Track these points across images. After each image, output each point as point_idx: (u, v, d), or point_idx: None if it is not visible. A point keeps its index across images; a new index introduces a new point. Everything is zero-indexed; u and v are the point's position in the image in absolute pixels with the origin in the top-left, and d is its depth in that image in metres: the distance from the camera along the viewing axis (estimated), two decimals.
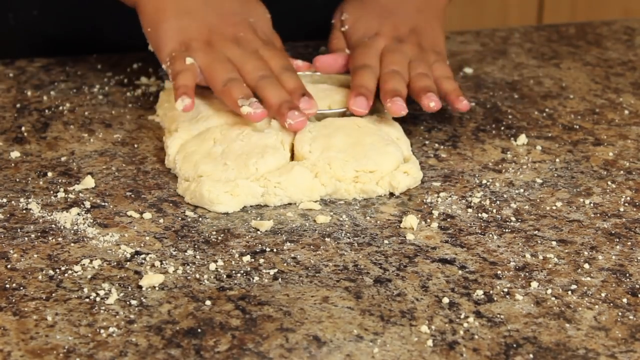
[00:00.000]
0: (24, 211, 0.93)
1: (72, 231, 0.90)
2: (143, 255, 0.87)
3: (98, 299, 0.81)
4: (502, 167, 1.02)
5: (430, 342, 0.77)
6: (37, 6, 1.24)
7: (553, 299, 0.83)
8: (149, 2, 1.06)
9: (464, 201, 0.96)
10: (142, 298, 0.82)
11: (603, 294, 0.83)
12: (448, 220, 0.93)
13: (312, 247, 0.89)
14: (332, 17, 1.17)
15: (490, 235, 0.91)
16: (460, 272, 0.86)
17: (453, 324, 0.80)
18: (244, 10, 1.08)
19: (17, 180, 0.98)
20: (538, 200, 0.96)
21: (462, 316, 0.80)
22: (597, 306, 0.82)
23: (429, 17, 1.14)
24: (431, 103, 1.03)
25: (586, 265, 0.87)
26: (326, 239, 0.90)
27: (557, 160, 1.04)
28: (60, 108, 1.12)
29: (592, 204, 0.96)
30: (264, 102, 1.00)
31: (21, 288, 0.82)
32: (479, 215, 0.94)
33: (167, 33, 1.05)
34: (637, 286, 0.84)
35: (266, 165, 0.95)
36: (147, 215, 0.92)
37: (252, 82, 1.02)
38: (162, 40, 1.05)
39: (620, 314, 0.81)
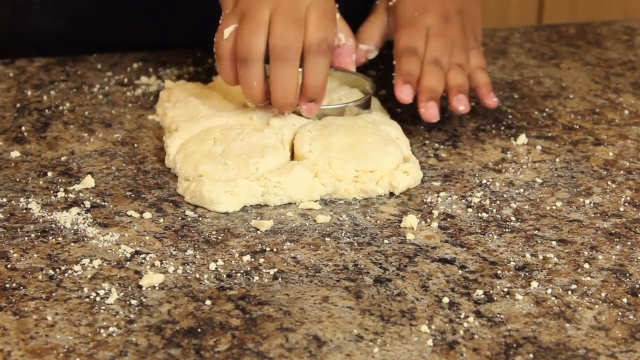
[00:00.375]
0: (24, 211, 0.93)
1: (72, 231, 0.90)
2: (143, 255, 0.87)
3: (98, 298, 0.81)
4: (502, 167, 1.02)
5: (430, 342, 0.77)
6: (37, 5, 1.24)
7: (553, 298, 0.83)
8: None
9: (464, 201, 0.96)
10: (142, 298, 0.82)
11: (603, 294, 0.83)
12: (448, 220, 0.93)
13: (312, 246, 0.89)
14: (373, 6, 1.14)
15: (490, 235, 0.91)
16: (460, 271, 0.86)
17: (453, 323, 0.80)
18: None
19: (17, 180, 0.98)
20: (538, 200, 0.96)
21: (462, 316, 0.80)
22: (597, 306, 0.82)
23: (469, 2, 1.14)
24: (460, 107, 1.05)
25: (586, 265, 0.87)
26: (326, 238, 0.90)
27: (557, 160, 1.04)
28: (60, 108, 1.12)
29: (592, 204, 0.96)
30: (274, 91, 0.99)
31: (21, 288, 0.82)
32: (479, 215, 0.94)
33: None
34: (637, 286, 0.84)
35: (266, 165, 0.95)
36: (147, 215, 0.92)
37: (275, 48, 0.97)
38: None
39: (620, 314, 0.81)
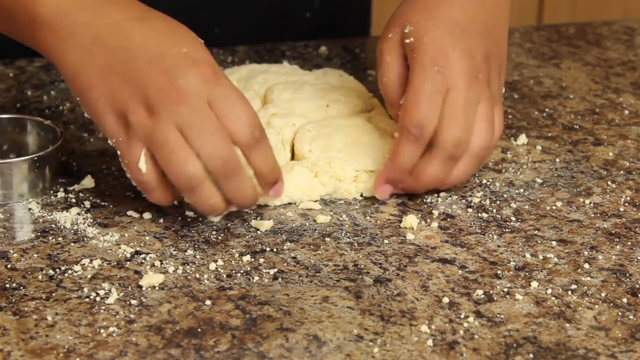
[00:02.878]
0: (24, 211, 0.93)
1: (72, 231, 0.90)
2: (143, 255, 0.87)
3: (98, 298, 0.81)
4: (502, 167, 1.02)
5: (430, 342, 0.77)
6: None
7: (553, 298, 0.83)
8: (67, 60, 0.88)
9: (464, 201, 0.96)
10: (142, 298, 0.82)
11: (603, 294, 0.83)
12: (448, 220, 0.93)
13: (312, 246, 0.89)
14: (384, 34, 0.97)
15: (490, 235, 0.91)
16: (460, 271, 0.86)
17: (453, 323, 0.80)
18: (172, 43, 0.87)
19: None
20: (538, 200, 0.96)
21: (462, 316, 0.80)
22: (597, 306, 0.82)
23: (499, 38, 0.99)
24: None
25: (586, 265, 0.87)
26: (326, 238, 0.90)
27: (557, 160, 1.04)
28: (60, 108, 1.12)
29: (592, 204, 0.96)
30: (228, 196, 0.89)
31: (21, 288, 0.82)
32: (479, 215, 0.94)
33: (98, 104, 0.87)
34: (637, 286, 0.84)
35: None
36: (147, 215, 0.92)
37: (215, 170, 0.86)
38: (96, 114, 0.88)
39: (620, 314, 0.81)
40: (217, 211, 0.89)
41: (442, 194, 0.97)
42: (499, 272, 0.86)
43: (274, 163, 0.90)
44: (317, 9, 1.27)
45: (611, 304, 0.82)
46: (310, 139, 0.98)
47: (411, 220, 0.92)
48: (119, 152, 0.88)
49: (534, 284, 0.84)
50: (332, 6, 1.17)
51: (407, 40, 0.94)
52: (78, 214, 0.92)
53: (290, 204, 0.95)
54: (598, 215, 0.94)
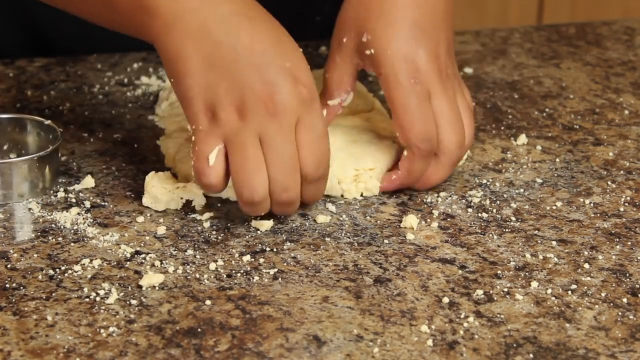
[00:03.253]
0: (24, 211, 0.93)
1: (72, 231, 0.90)
2: (143, 255, 0.87)
3: (98, 298, 0.81)
4: (502, 167, 1.02)
5: (430, 342, 0.77)
6: (37, 5, 1.24)
7: (553, 298, 0.83)
8: (169, 44, 0.88)
9: (464, 201, 0.96)
10: (142, 298, 0.82)
11: (603, 294, 0.83)
12: (448, 220, 0.93)
13: (312, 246, 0.89)
14: (336, 35, 0.98)
15: (490, 235, 0.91)
16: (460, 271, 0.86)
17: (453, 323, 0.80)
18: (277, 54, 0.88)
19: None
20: (538, 200, 0.96)
21: (462, 316, 0.80)
22: (597, 306, 0.82)
23: (449, 26, 0.99)
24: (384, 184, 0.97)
25: (586, 265, 0.87)
26: (326, 238, 0.90)
27: (557, 160, 1.04)
28: (60, 108, 1.12)
29: (592, 204, 0.96)
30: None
31: (21, 288, 0.82)
32: (479, 215, 0.94)
33: (191, 91, 0.88)
34: (637, 286, 0.84)
35: None
36: (147, 215, 0.92)
37: (272, 192, 0.88)
38: (186, 99, 0.88)
39: (620, 314, 0.81)
40: (257, 214, 0.90)
41: (442, 194, 0.97)
42: (499, 272, 0.86)
43: (319, 198, 0.92)
44: (327, 13, 1.27)
45: (611, 304, 0.82)
46: None
47: (411, 220, 0.92)
48: (193, 138, 0.88)
49: (534, 284, 0.84)
50: (331, 6, 1.17)
51: (368, 52, 0.94)
52: (78, 214, 0.92)
53: None
54: (598, 215, 0.94)
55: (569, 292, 0.84)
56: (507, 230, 0.92)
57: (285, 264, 0.86)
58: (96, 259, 0.86)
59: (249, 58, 0.87)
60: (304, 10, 1.26)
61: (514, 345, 0.77)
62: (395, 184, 0.96)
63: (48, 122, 0.98)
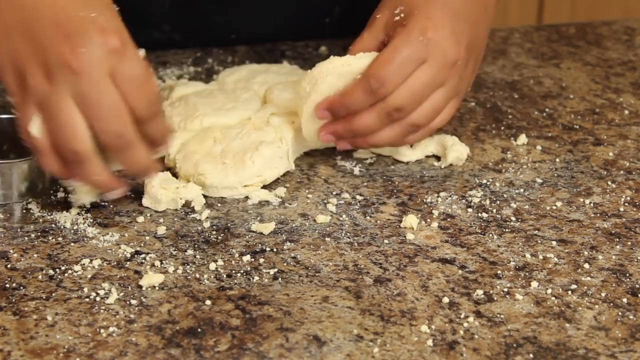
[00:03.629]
0: (24, 211, 0.93)
1: (72, 231, 0.90)
2: (143, 255, 0.87)
3: (98, 298, 0.81)
4: (502, 167, 1.02)
5: (430, 342, 0.77)
6: None
7: (553, 298, 0.83)
8: None
9: (464, 201, 0.96)
10: (142, 298, 0.82)
11: (603, 294, 0.83)
12: (448, 220, 0.93)
13: (312, 246, 0.89)
14: (373, 14, 0.98)
15: (490, 235, 0.91)
16: (460, 271, 0.86)
17: (453, 323, 0.80)
18: (81, 6, 0.83)
19: None
20: (538, 200, 0.96)
21: (462, 316, 0.80)
22: (597, 306, 0.82)
23: (482, 34, 1.00)
24: (341, 146, 0.99)
25: (586, 265, 0.87)
26: (326, 238, 0.90)
27: (557, 160, 1.04)
28: None
29: (592, 204, 0.96)
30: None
31: (21, 288, 0.82)
32: (479, 215, 0.94)
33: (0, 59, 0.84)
34: (637, 286, 0.84)
35: (262, 157, 0.95)
36: (147, 215, 0.92)
37: (107, 144, 0.85)
38: None
39: (620, 314, 0.81)
40: (107, 187, 0.88)
41: (442, 194, 0.97)
42: (499, 272, 0.86)
43: (167, 132, 0.89)
44: (337, 15, 1.26)
45: (611, 304, 0.82)
46: None
47: (411, 220, 0.92)
48: (13, 111, 0.86)
49: (534, 284, 0.84)
50: (353, 15, 1.17)
51: (397, 18, 0.94)
52: (78, 214, 0.92)
53: (290, 204, 0.95)
54: (598, 215, 0.94)
55: (569, 292, 0.84)
56: (507, 230, 0.92)
57: (285, 264, 0.86)
58: (96, 259, 0.86)
59: (51, 15, 0.83)
60: (313, 11, 1.26)
61: (514, 345, 0.77)
62: (325, 104, 0.95)
63: None
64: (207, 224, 0.91)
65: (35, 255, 0.87)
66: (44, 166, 0.87)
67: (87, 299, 0.81)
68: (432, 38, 0.92)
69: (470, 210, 0.95)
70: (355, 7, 1.21)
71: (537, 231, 0.92)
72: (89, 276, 0.84)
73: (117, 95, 0.83)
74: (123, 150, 0.85)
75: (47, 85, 0.82)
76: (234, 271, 0.85)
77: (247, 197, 0.95)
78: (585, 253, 0.89)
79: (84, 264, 0.85)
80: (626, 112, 1.14)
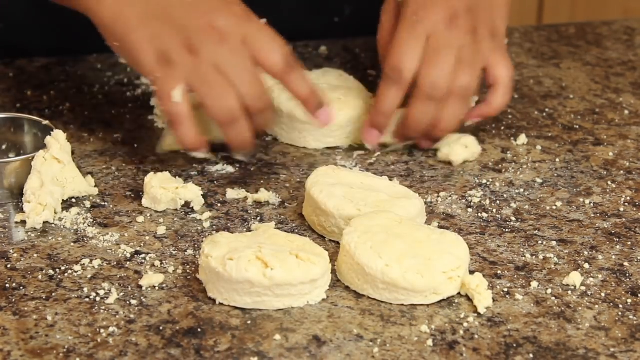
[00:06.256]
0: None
1: (72, 231, 0.90)
2: (143, 255, 0.87)
3: (98, 298, 0.81)
4: (502, 167, 1.02)
5: (430, 342, 0.77)
6: (36, 5, 1.24)
7: (553, 298, 0.83)
8: (104, 10, 0.94)
9: (464, 201, 0.96)
10: (142, 298, 0.82)
11: (603, 294, 0.83)
12: (448, 220, 0.93)
13: None
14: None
15: (490, 235, 0.91)
16: None
17: (453, 323, 0.80)
18: None
19: None
20: (538, 200, 0.96)
21: (462, 316, 0.80)
22: (597, 306, 0.82)
23: (503, 12, 1.03)
24: (426, 146, 1.03)
25: (586, 265, 0.87)
26: (326, 238, 0.90)
27: (557, 160, 1.04)
28: (60, 108, 1.12)
29: (592, 204, 0.96)
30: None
31: (21, 288, 0.82)
32: (479, 215, 0.94)
33: (138, 45, 0.93)
34: (637, 286, 0.84)
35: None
36: (147, 215, 0.92)
37: (250, 106, 0.93)
38: (136, 55, 0.93)
39: (620, 314, 0.81)
40: (248, 147, 0.95)
41: (442, 194, 0.97)
42: (499, 272, 0.86)
43: (314, 87, 0.96)
44: (347, 15, 1.27)
45: (611, 304, 0.82)
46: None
47: None
48: (153, 88, 0.94)
49: (534, 284, 0.84)
50: (363, 16, 1.17)
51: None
52: (78, 214, 0.92)
53: (290, 204, 0.95)
54: (598, 215, 0.94)
55: (569, 292, 0.84)
56: (507, 230, 0.92)
57: None
58: (96, 259, 0.86)
59: (179, 0, 0.93)
60: (323, 10, 1.26)
61: (514, 345, 0.77)
62: (369, 121, 1.00)
63: (46, 122, 0.98)
64: (207, 224, 0.91)
65: (35, 255, 0.87)
66: (179, 135, 0.93)
67: (87, 299, 0.81)
68: (424, 16, 0.98)
69: (470, 210, 0.95)
70: (365, 6, 1.21)
71: (537, 231, 0.92)
72: (89, 276, 0.84)
73: (253, 60, 0.93)
74: (263, 111, 0.93)
75: (192, 58, 0.92)
76: None
77: (246, 197, 0.95)
78: (585, 253, 0.89)
79: (84, 264, 0.85)
80: (626, 112, 1.14)
